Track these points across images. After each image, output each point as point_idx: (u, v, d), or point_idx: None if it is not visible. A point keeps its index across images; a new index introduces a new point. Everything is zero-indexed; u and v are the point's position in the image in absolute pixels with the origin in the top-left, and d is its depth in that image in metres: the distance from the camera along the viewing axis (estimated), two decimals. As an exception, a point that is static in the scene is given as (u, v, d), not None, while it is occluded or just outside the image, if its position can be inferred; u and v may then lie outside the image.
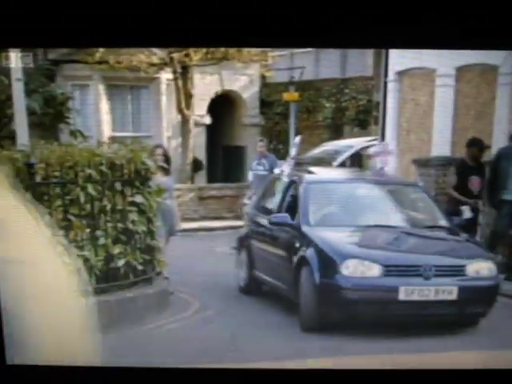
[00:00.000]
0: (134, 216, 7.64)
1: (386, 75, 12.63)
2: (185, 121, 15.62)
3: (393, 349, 6.33)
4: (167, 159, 8.69)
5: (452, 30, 3.27)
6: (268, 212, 8.66)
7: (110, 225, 7.47)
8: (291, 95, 16.13)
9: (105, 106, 15.31)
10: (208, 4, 3.37)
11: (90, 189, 7.29)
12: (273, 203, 8.77)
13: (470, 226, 8.79)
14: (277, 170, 10.98)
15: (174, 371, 4.52)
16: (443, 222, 8.11)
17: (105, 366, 4.47)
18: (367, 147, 14.38)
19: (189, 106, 15.53)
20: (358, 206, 8.19)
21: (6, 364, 4.23)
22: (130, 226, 7.62)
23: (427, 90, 11.46)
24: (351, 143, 14.68)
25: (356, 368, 4.71)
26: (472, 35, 3.30)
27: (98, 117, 15.12)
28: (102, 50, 13.05)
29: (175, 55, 14.69)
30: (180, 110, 15.50)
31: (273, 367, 4.99)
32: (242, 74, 17.10)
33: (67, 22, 3.40)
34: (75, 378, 4.27)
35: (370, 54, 15.18)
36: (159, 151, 8.64)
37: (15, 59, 8.03)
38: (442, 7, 3.21)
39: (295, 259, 7.47)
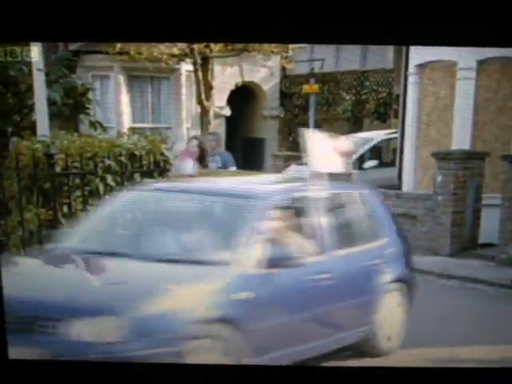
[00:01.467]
0: (152, 207, 7.68)
1: (406, 68, 12.55)
2: (204, 112, 15.63)
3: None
4: (202, 152, 8.55)
5: (470, 26, 3.25)
6: None
7: (128, 216, 7.50)
8: (311, 87, 16.14)
9: (125, 96, 15.37)
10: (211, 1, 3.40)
11: (110, 180, 7.33)
12: None
13: None
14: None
15: (174, 366, 4.54)
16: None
17: (108, 361, 4.49)
18: (387, 140, 14.36)
19: (209, 97, 15.53)
20: (137, 226, 6.00)
21: (9, 359, 4.26)
22: (149, 217, 7.64)
23: (448, 84, 11.39)
24: (371, 136, 14.63)
25: (356, 365, 4.72)
26: (490, 32, 3.28)
27: (118, 108, 15.19)
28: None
29: (196, 46, 14.69)
30: (200, 102, 15.51)
31: (272, 363, 4.99)
32: (262, 66, 17.09)
33: (71, 16, 3.44)
34: (78, 373, 4.29)
35: (390, 46, 15.11)
36: (194, 143, 8.51)
37: (36, 50, 8.08)
38: (459, 4, 3.20)
39: None
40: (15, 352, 4.31)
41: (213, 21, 3.39)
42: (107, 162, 7.34)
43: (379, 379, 4.29)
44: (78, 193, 7.24)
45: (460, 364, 5.61)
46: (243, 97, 17.30)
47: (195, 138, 9.08)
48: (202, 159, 8.43)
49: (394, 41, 3.63)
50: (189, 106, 16.18)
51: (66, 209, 7.19)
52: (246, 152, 17.94)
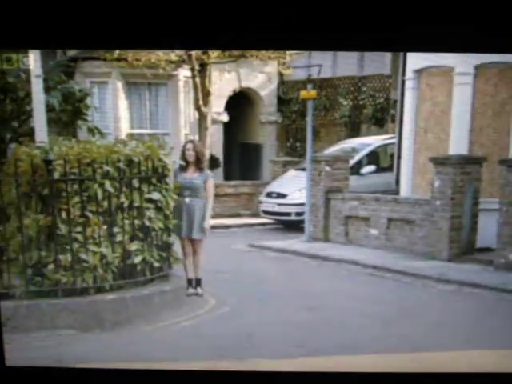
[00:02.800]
0: (150, 213, 7.68)
1: (403, 73, 12.59)
2: (202, 118, 15.65)
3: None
4: (198, 156, 8.41)
5: (464, 32, 3.27)
6: None
7: (126, 222, 7.51)
8: (309, 93, 16.11)
9: (123, 103, 15.39)
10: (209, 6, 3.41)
11: (108, 185, 7.33)
12: None
13: None
14: None
15: (175, 373, 4.54)
16: None
17: (105, 368, 4.49)
18: (385, 145, 14.40)
19: (206, 103, 15.55)
20: None
21: (6, 365, 4.26)
22: (147, 222, 7.66)
23: (445, 89, 11.41)
24: (368, 141, 14.67)
25: (356, 370, 4.72)
26: (486, 37, 3.30)
27: (116, 114, 15.20)
28: (120, 47, 13.10)
29: (193, 52, 14.71)
30: (197, 108, 15.53)
31: (271, 369, 5.00)
32: (259, 72, 17.13)
33: (69, 24, 3.45)
34: (75, 380, 4.30)
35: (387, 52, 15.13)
36: (189, 146, 8.45)
37: (34, 57, 8.10)
38: (453, 8, 3.21)
39: None
40: (12, 359, 4.32)
41: (211, 29, 3.41)
42: (105, 167, 7.35)
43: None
44: (77, 199, 7.24)
45: (457, 369, 5.62)
46: (241, 103, 17.32)
47: (190, 141, 9.06)
48: (198, 163, 8.39)
49: (391, 48, 3.66)
50: (187, 111, 16.20)
51: (64, 215, 7.19)
52: (243, 158, 17.97)
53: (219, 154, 16.97)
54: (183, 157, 8.34)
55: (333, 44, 3.51)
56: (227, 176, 16.99)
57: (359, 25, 3.35)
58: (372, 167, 13.83)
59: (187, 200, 8.23)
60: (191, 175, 8.31)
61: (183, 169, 8.31)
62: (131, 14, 3.45)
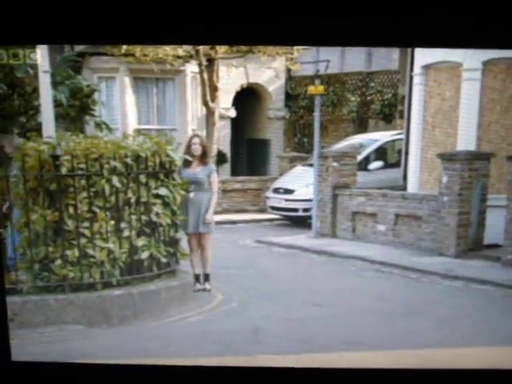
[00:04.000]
0: (158, 208, 7.69)
1: (411, 69, 12.55)
2: (210, 113, 15.64)
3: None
4: (204, 150, 8.45)
5: (475, 28, 3.25)
6: None
7: (134, 217, 7.52)
8: (316, 89, 16.09)
9: (130, 98, 15.39)
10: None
11: (115, 181, 7.35)
12: None
13: None
14: None
15: (181, 369, 4.54)
16: None
17: (112, 363, 4.49)
18: (392, 141, 14.38)
19: (214, 98, 15.54)
20: None
21: (12, 360, 4.26)
22: (154, 218, 7.67)
23: (453, 84, 11.38)
24: (376, 137, 14.65)
25: (362, 367, 4.71)
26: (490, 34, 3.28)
27: (124, 109, 15.21)
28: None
29: (201, 48, 14.70)
30: (205, 103, 15.51)
31: (277, 365, 5.00)
32: (267, 67, 17.10)
33: (77, 19, 3.45)
34: (82, 376, 4.30)
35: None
36: (196, 140, 8.47)
37: (42, 52, 8.11)
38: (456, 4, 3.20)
39: None
40: (18, 354, 4.33)
41: (218, 23, 3.41)
42: (113, 163, 7.36)
43: (383, 380, 4.29)
44: (84, 194, 7.26)
45: (463, 365, 5.61)
46: (248, 98, 17.31)
47: (196, 135, 9.06)
48: (203, 157, 8.39)
49: (399, 43, 3.64)
50: (194, 107, 16.19)
51: (71, 210, 7.21)
52: (250, 153, 17.96)
53: (226, 149, 16.97)
54: (188, 151, 8.33)
55: (335, 39, 3.50)
56: (234, 171, 16.99)
57: (363, 19, 3.34)
58: (379, 163, 13.81)
59: (192, 194, 8.22)
60: (194, 169, 8.30)
61: (187, 164, 8.30)
62: (139, 8, 3.45)
